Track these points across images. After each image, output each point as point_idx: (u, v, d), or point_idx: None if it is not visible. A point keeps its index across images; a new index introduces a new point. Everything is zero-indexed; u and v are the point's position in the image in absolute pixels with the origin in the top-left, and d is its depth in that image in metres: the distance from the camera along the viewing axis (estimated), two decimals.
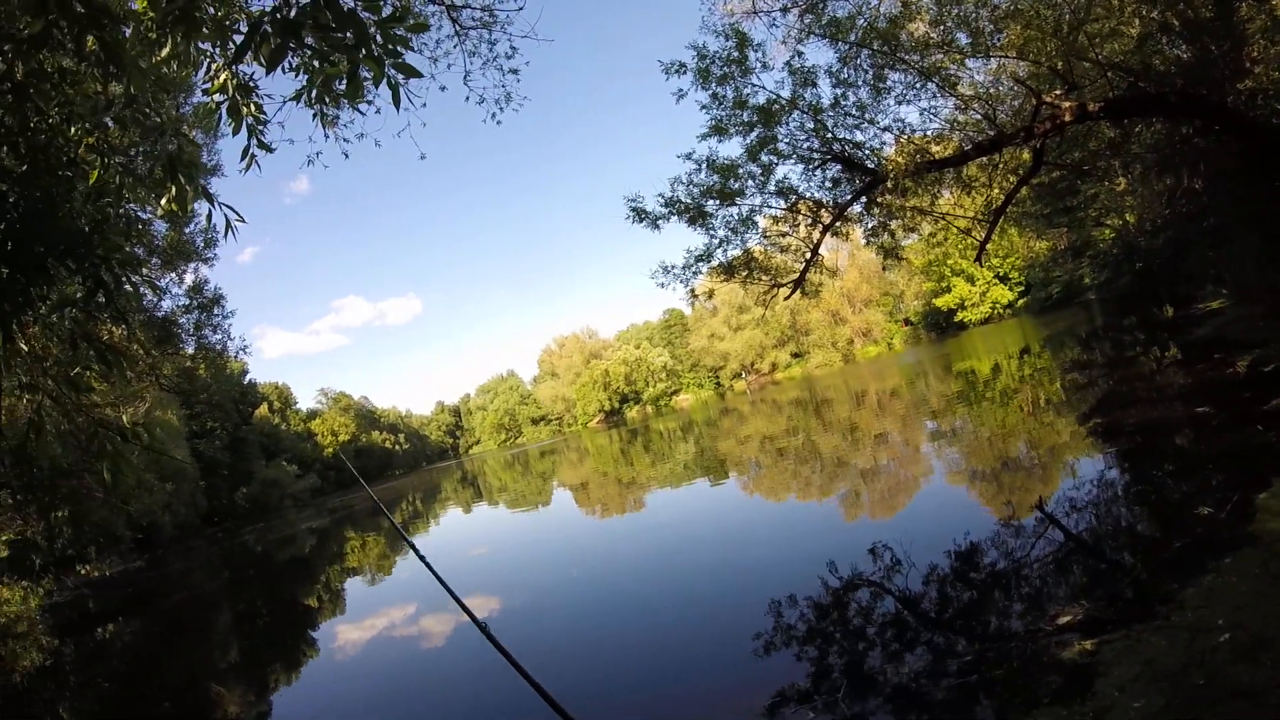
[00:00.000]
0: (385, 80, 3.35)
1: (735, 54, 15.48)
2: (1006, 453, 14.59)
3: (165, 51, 3.80)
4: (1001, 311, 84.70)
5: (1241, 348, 15.42)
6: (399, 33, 3.32)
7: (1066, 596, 6.86)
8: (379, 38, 3.23)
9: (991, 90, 17.05)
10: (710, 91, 15.96)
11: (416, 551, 5.12)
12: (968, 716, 5.44)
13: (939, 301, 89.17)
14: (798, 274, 17.55)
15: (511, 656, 3.66)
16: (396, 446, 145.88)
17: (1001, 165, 17.31)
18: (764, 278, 17.74)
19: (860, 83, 15.77)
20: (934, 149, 16.18)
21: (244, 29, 3.57)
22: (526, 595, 13.37)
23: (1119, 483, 10.44)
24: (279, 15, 3.13)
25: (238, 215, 4.65)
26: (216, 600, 23.35)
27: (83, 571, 34.76)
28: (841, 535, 11.73)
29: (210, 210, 4.70)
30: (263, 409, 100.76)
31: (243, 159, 4.37)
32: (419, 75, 3.53)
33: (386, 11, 3.32)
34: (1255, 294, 17.81)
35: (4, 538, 26.81)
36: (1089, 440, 13.54)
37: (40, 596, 27.43)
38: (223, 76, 4.07)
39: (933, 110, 16.53)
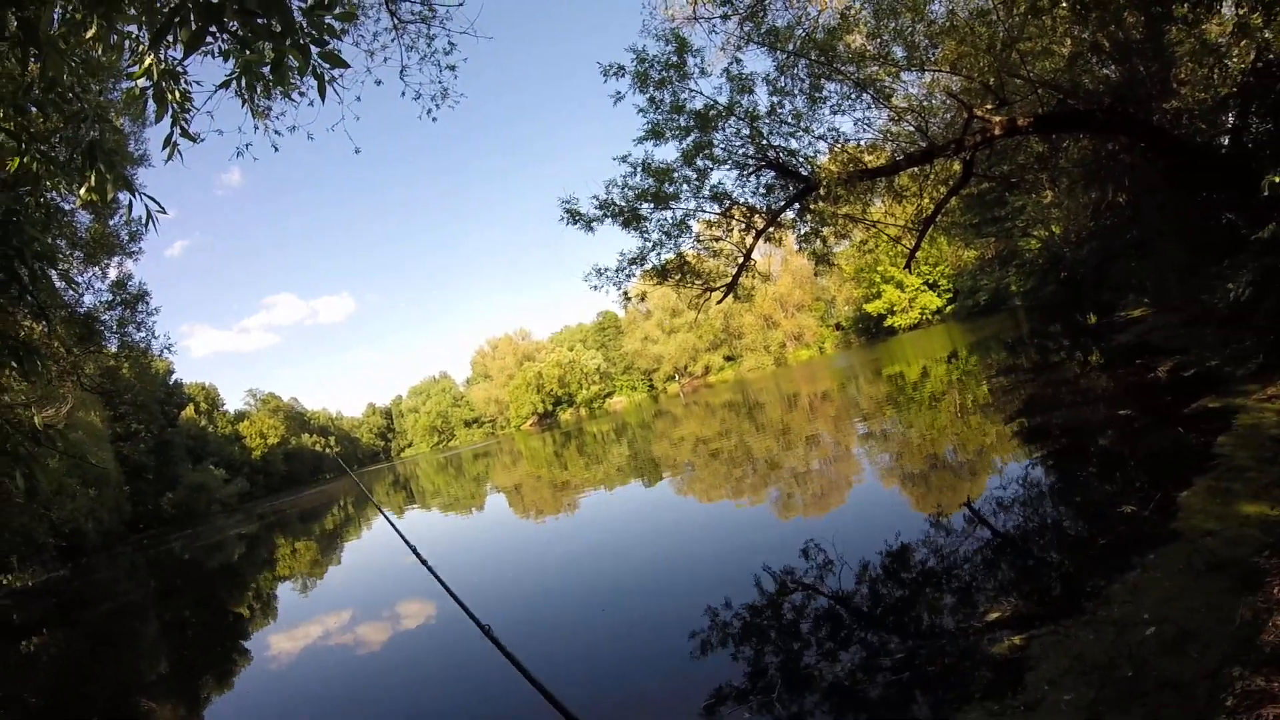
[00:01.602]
0: (311, 70, 3.28)
1: (674, 59, 15.53)
2: (935, 453, 14.85)
3: (90, 33, 3.67)
4: (930, 317, 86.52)
5: (1163, 353, 16.04)
6: (328, 21, 3.25)
7: (996, 593, 7.00)
8: (306, 25, 3.16)
9: (924, 103, 17.39)
10: (648, 95, 16.00)
11: (418, 555, 5.04)
12: (902, 713, 5.51)
13: (869, 307, 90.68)
14: (731, 278, 17.66)
15: (517, 660, 3.66)
16: (327, 449, 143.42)
17: (932, 176, 17.68)
18: (697, 281, 17.81)
19: (797, 92, 15.97)
20: (867, 158, 16.48)
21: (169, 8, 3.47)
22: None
23: (1045, 482, 10.70)
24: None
25: (159, 206, 4.55)
26: (144, 610, 22.62)
27: (4, 580, 33.55)
28: (775, 535, 11.81)
29: (131, 201, 4.57)
30: (189, 410, 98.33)
31: (164, 147, 4.25)
32: (346, 66, 3.48)
33: None
34: (1177, 303, 18.41)
35: None
36: (1015, 441, 13.86)
37: None
38: (147, 61, 3.95)
39: (867, 121, 16.83)
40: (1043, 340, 32.15)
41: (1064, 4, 13.42)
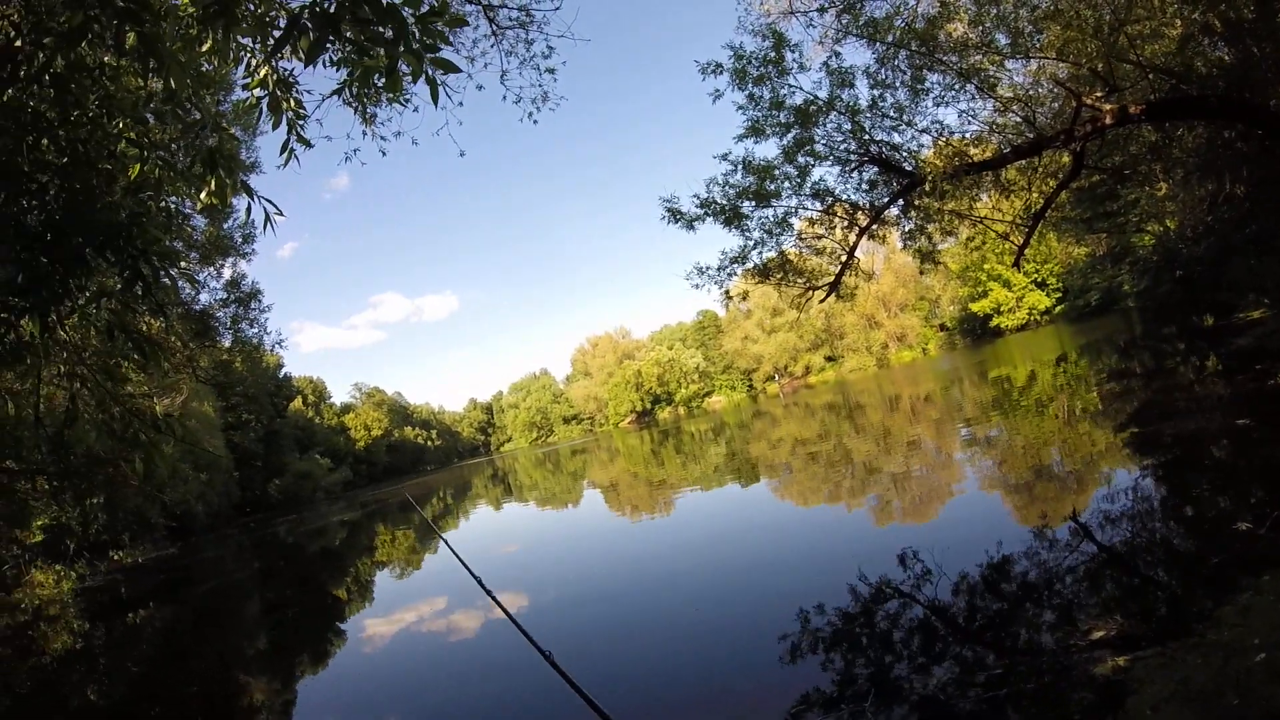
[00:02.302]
0: (424, 76, 3.35)
1: (772, 54, 15.38)
2: (1040, 462, 14.38)
3: (205, 47, 3.83)
4: (1038, 318, 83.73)
5: None
6: (437, 27, 3.32)
7: (1099, 611, 6.72)
8: (417, 32, 3.22)
9: (1031, 92, 16.84)
10: (747, 92, 15.88)
11: (482, 585, 5.13)
12: None
13: (975, 307, 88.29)
14: (833, 277, 17.43)
15: (553, 660, 3.66)
16: (429, 442, 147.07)
17: (1041, 169, 17.08)
18: (799, 280, 17.62)
19: (898, 84, 15.63)
20: (972, 151, 16.00)
21: (283, 24, 3.59)
22: (554, 592, 13.38)
23: (1155, 495, 10.24)
24: (317, 8, 3.14)
25: (276, 209, 4.68)
26: (247, 589, 23.62)
27: (116, 557, 35.32)
28: (871, 541, 11.60)
29: (250, 204, 4.75)
30: (297, 402, 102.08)
31: (282, 153, 4.40)
32: (457, 70, 3.53)
33: (425, 7, 3.33)
34: None
35: (40, 523, 27.29)
36: (1125, 451, 13.32)
37: (73, 581, 27.92)
38: (262, 72, 4.09)
39: (971, 112, 16.37)
40: (1156, 343, 30.83)
41: None
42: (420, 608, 14.74)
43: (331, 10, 3.12)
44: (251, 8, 3.84)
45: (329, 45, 3.38)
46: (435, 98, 3.51)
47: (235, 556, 35.58)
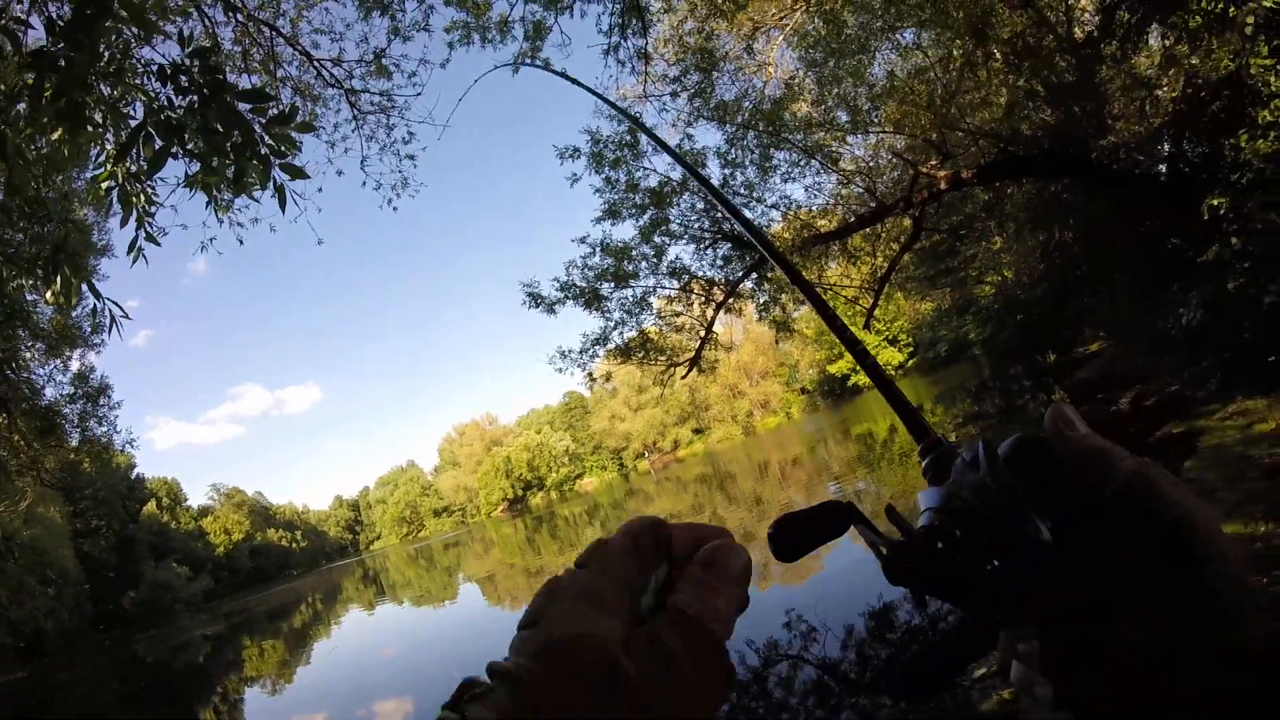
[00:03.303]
0: (271, 181, 3.35)
1: (627, 138, 15.83)
2: (912, 509, 14.81)
3: (54, 136, 3.72)
4: (893, 372, 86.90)
5: (1124, 384, 16.17)
6: (288, 133, 3.33)
7: None
8: (266, 138, 3.23)
9: (872, 164, 17.87)
10: (604, 175, 16.29)
11: None
12: None
13: (832, 369, 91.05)
14: (694, 352, 17.70)
15: None
16: (294, 544, 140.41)
17: (884, 234, 18.04)
18: (660, 358, 17.84)
19: (748, 163, 16.37)
20: (820, 223, 16.82)
21: (133, 121, 3.53)
22: (441, 692, 12.96)
23: None
24: (162, 116, 3.11)
25: (122, 311, 4.50)
26: (107, 718, 21.94)
27: None
28: (755, 608, 11.65)
29: (94, 304, 4.57)
30: (151, 506, 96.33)
31: (129, 251, 4.27)
32: (306, 177, 3.56)
33: (272, 112, 3.33)
34: (1132, 332, 18.66)
35: None
36: None
37: None
38: (110, 166, 3.99)
39: (817, 186, 17.26)
40: (1005, 384, 32.52)
41: (997, 55, 13.90)
42: None
43: (176, 120, 3.10)
44: (101, 112, 3.75)
45: (172, 155, 3.34)
46: (283, 205, 3.51)
47: (92, 679, 32.98)
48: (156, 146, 3.14)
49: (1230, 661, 0.51)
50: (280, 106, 3.45)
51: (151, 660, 35.41)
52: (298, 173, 3.38)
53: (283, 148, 3.31)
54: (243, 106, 3.16)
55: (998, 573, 0.59)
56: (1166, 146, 14.34)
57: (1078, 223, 18.06)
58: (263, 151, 3.21)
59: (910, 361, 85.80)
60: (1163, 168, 14.62)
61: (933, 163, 15.23)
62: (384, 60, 10.32)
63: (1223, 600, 0.52)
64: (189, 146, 3.22)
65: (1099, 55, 13.37)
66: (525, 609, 0.58)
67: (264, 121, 3.24)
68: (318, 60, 10.44)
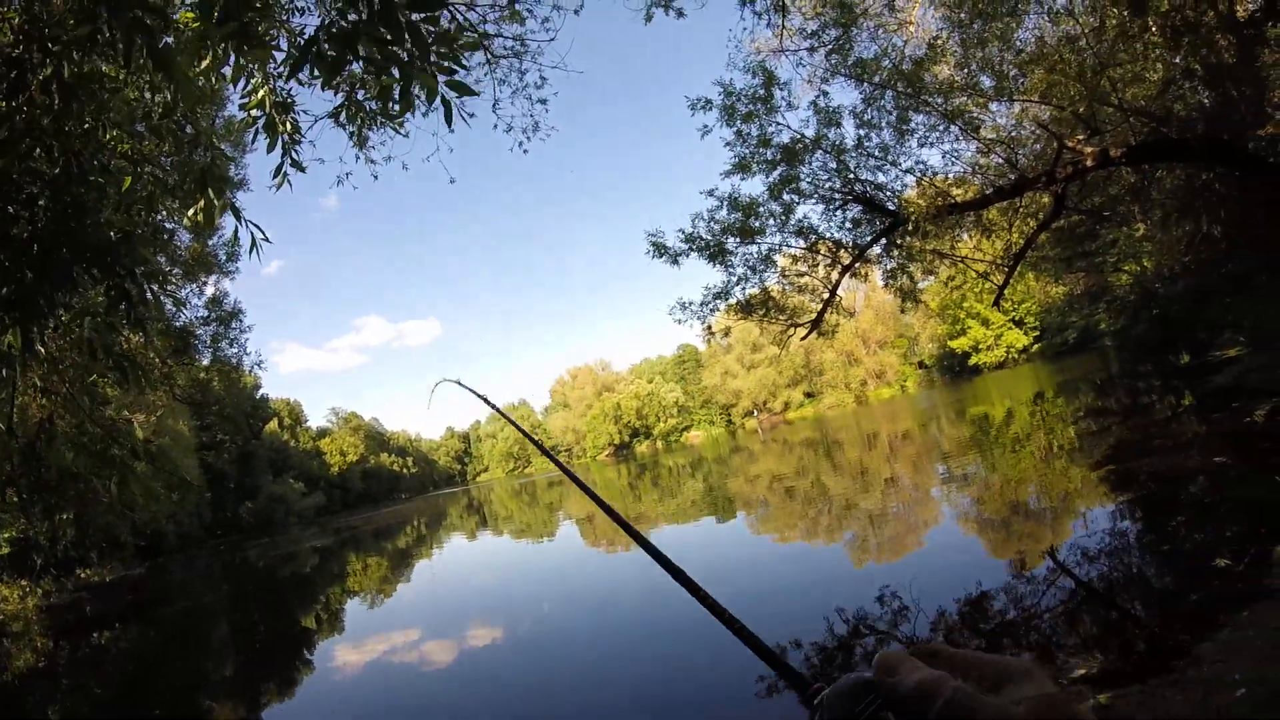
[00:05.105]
0: (439, 96, 3.34)
1: (761, 91, 15.58)
2: (1018, 499, 14.40)
3: (205, 64, 3.79)
4: (1016, 356, 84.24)
5: (1261, 396, 15.20)
6: (454, 49, 3.31)
7: (1079, 648, 6.73)
8: (435, 54, 3.21)
9: (1014, 134, 17.10)
10: (735, 129, 16.08)
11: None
12: None
13: (954, 344, 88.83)
14: (815, 314, 17.52)
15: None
16: (405, 470, 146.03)
17: (1022, 209, 17.30)
18: (781, 317, 17.71)
19: (884, 124, 15.86)
20: (955, 192, 16.19)
21: (284, 45, 3.57)
22: (528, 625, 13.27)
23: (1132, 532, 10.27)
24: (334, 29, 3.12)
25: (263, 234, 4.58)
26: (216, 612, 23.22)
27: (83, 575, 34.78)
28: (849, 580, 11.53)
29: (236, 227, 4.68)
30: (273, 424, 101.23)
31: (275, 176, 4.34)
32: (475, 94, 3.52)
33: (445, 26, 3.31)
34: (1277, 340, 17.62)
35: (6, 535, 26.86)
36: (1102, 488, 13.34)
37: (38, 597, 27.46)
38: (261, 92, 4.07)
39: (955, 153, 16.60)
40: (1132, 381, 31.09)
41: (1154, 28, 13.08)
42: (393, 637, 14.53)
43: (350, 29, 3.10)
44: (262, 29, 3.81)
45: (346, 64, 3.36)
46: (450, 119, 3.48)
47: (204, 579, 35.06)
48: (330, 59, 3.15)
49: None
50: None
51: (262, 565, 37.36)
52: (464, 89, 3.36)
53: (450, 63, 3.30)
54: (415, 17, 3.14)
55: None
56: None
57: (1228, 216, 17.03)
58: (429, 70, 3.19)
59: (1035, 346, 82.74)
60: None
61: (1079, 138, 14.47)
62: (517, 5, 10.31)
63: None
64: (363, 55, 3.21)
65: (1262, 37, 12.44)
66: None
67: (435, 33, 3.23)
68: (452, 3, 10.52)
